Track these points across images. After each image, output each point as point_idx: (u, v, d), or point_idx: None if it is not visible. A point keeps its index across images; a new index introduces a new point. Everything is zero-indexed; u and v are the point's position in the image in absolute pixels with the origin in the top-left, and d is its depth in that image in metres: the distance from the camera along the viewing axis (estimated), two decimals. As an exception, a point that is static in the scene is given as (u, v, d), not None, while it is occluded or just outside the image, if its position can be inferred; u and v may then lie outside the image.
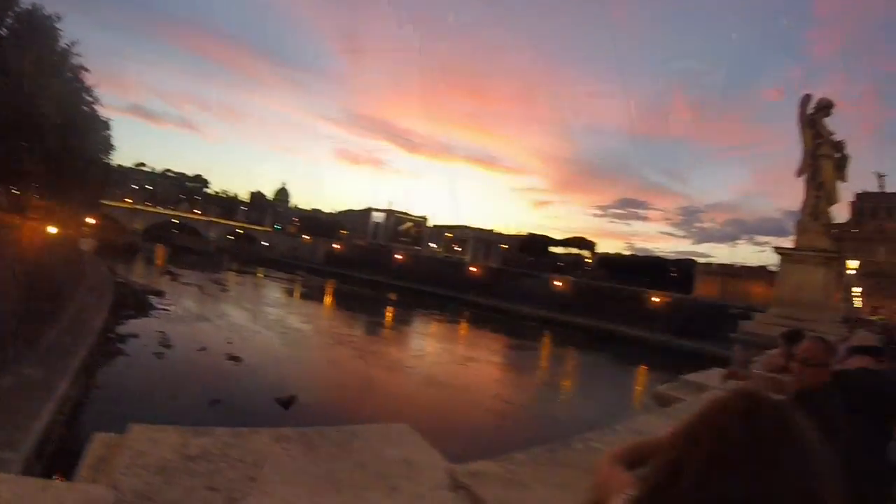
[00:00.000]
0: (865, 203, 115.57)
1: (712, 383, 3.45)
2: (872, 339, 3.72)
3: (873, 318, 59.56)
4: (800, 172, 11.30)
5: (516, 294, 55.29)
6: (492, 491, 1.75)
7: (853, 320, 30.71)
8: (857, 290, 48.29)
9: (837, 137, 11.42)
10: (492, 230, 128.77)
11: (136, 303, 28.44)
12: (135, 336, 21.44)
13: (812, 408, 2.28)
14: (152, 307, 28.77)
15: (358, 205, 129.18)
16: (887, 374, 3.49)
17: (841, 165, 11.40)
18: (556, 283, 57.13)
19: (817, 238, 10.71)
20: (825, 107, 11.41)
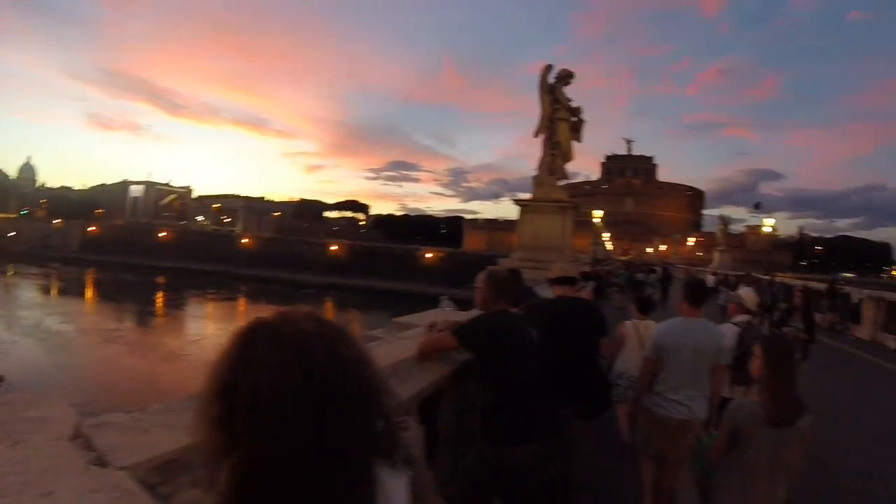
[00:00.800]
0: (614, 163, 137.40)
1: (420, 322, 3.78)
2: (572, 271, 4.25)
3: (623, 258, 71.01)
4: (537, 133, 12.91)
5: (293, 262, 54.35)
6: (107, 438, 1.80)
7: (603, 260, 36.69)
8: (606, 235, 57.44)
9: (575, 104, 13.21)
10: (262, 198, 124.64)
11: None
12: None
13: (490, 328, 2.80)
14: None
15: (114, 178, 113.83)
16: (569, 300, 4.06)
17: (576, 128, 13.26)
18: (332, 248, 57.41)
19: (553, 190, 12.45)
20: (565, 77, 13.07)
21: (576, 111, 13.15)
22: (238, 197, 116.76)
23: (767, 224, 30.34)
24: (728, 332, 4.53)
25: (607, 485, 4.61)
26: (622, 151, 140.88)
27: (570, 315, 3.88)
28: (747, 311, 5.13)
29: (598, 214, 36.29)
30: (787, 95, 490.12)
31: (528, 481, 2.63)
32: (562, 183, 13.02)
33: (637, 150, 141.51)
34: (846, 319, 16.89)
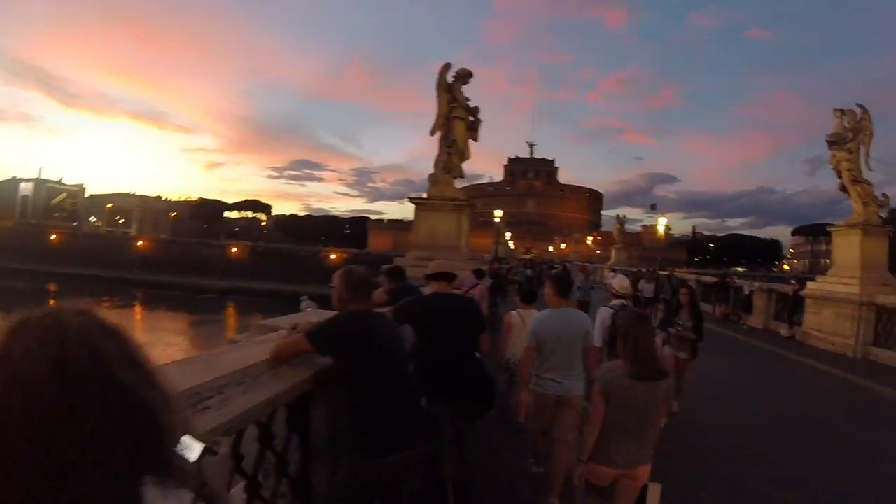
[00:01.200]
0: (516, 166, 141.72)
1: (284, 325, 3.37)
2: (449, 267, 4.17)
3: (526, 256, 73.16)
4: (433, 131, 12.73)
5: (191, 266, 51.34)
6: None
7: (503, 258, 37.52)
8: (508, 235, 59.18)
9: (472, 104, 13.15)
10: (159, 197, 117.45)
11: None
12: None
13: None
14: None
15: (3, 174, 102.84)
16: (445, 297, 3.93)
17: (473, 127, 13.20)
18: (232, 250, 55.01)
19: (448, 188, 12.32)
20: (463, 76, 12.96)
21: (473, 111, 13.12)
22: (133, 196, 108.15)
23: (661, 223, 32.12)
24: (604, 315, 5.39)
25: (517, 481, 4.73)
26: (525, 154, 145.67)
27: (446, 313, 3.78)
28: (621, 297, 5.78)
29: (498, 214, 37.07)
30: (685, 104, 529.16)
31: (406, 489, 2.60)
32: (459, 181, 12.95)
33: (540, 154, 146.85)
34: (739, 310, 18.21)
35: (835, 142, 14.90)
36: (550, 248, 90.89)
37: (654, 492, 3.16)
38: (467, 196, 12.70)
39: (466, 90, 12.90)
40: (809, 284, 15.53)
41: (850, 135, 14.49)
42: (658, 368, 3.09)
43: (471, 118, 13.11)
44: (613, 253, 43.64)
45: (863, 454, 6.09)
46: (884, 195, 14.30)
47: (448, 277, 4.04)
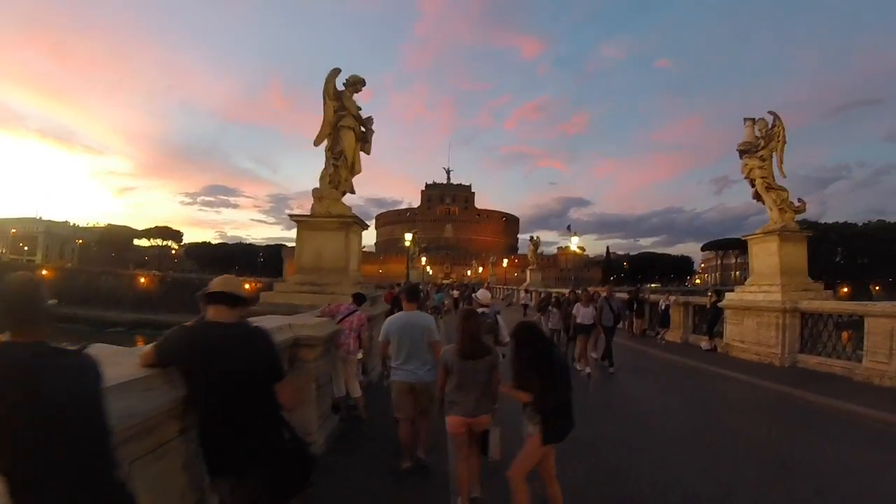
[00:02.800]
0: (433, 191, 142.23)
1: None
2: (235, 286, 2.88)
3: (446, 281, 72.36)
4: (318, 141, 10.97)
5: (98, 297, 46.96)
6: None
7: (419, 284, 36.12)
8: (423, 259, 57.97)
9: (365, 114, 11.55)
10: (66, 223, 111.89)
11: None
12: None
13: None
14: None
15: None
16: (220, 328, 2.72)
17: (364, 138, 11.57)
18: (140, 280, 50.46)
19: (334, 204, 10.51)
20: (355, 83, 11.31)
21: (365, 121, 11.53)
22: (39, 221, 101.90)
23: (574, 242, 31.90)
24: None
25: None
26: (443, 180, 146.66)
27: (218, 351, 2.61)
28: (484, 306, 7.06)
29: (408, 238, 35.55)
30: (595, 131, 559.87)
31: None
32: (349, 198, 11.21)
33: (456, 179, 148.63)
34: (656, 325, 17.41)
35: (746, 150, 14.76)
36: (468, 273, 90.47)
37: (495, 433, 4.33)
38: (355, 215, 10.93)
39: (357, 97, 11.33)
40: (728, 295, 14.99)
41: (763, 142, 14.35)
42: (482, 349, 4.41)
43: (362, 129, 11.51)
44: (528, 274, 43.25)
45: (794, 465, 5.79)
46: (800, 200, 13.99)
47: (230, 300, 2.80)
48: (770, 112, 14.29)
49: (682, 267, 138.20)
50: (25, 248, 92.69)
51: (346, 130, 10.99)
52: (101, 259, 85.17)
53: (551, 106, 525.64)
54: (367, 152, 11.74)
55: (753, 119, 14.91)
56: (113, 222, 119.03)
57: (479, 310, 6.54)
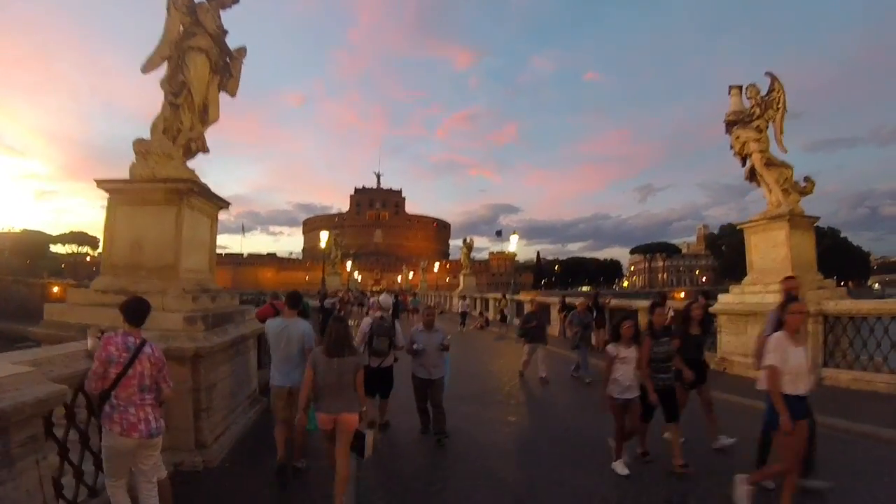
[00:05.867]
0: (363, 196, 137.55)
1: None
2: None
3: (376, 287, 68.21)
4: (149, 66, 7.06)
5: (8, 309, 40.34)
6: None
7: (325, 293, 32.01)
8: (349, 264, 53.79)
9: (233, 44, 7.81)
10: None
11: None
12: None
13: None
14: None
15: None
16: None
17: (227, 72, 7.82)
18: (54, 289, 43.76)
19: (164, 163, 6.62)
20: None
21: (229, 52, 7.76)
22: None
23: (513, 241, 29.00)
24: (364, 323, 6.98)
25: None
26: (373, 185, 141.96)
27: None
28: (383, 310, 7.17)
29: (324, 238, 31.51)
30: (525, 141, 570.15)
31: None
32: (194, 162, 7.33)
33: (387, 186, 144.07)
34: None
35: (736, 121, 12.02)
36: (399, 279, 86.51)
37: (370, 437, 4.61)
38: (197, 181, 7.03)
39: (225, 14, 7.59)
40: (722, 298, 12.12)
41: (758, 110, 11.70)
42: (342, 349, 4.54)
43: (226, 59, 7.75)
44: (462, 279, 40.10)
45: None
46: (807, 179, 11.41)
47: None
48: (767, 73, 11.70)
49: (610, 270, 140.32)
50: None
51: (194, 54, 7.15)
52: (14, 267, 76.11)
53: (482, 116, 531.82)
54: (232, 93, 7.95)
55: (741, 86, 12.32)
56: (31, 228, 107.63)
57: (375, 314, 7.19)
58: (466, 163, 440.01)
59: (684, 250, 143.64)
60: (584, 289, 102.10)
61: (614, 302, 16.89)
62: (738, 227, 12.62)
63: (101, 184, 6.64)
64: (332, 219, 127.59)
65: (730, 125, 12.12)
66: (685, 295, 72.23)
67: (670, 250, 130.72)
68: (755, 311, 10.55)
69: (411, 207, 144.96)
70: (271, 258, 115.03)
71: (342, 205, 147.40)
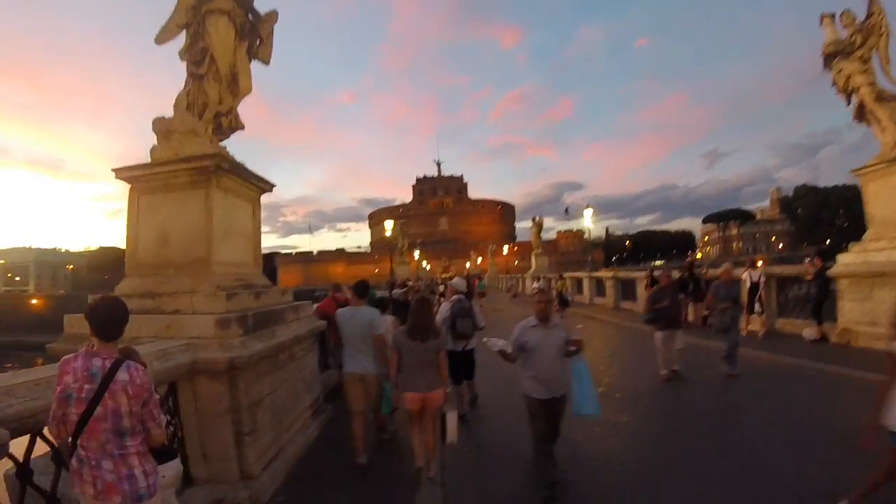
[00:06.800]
0: (425, 185, 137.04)
1: None
2: None
3: (445, 275, 67.85)
4: (163, 37, 6.10)
5: None
6: None
7: (401, 282, 31.14)
8: (416, 253, 53.16)
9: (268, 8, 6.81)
10: (56, 249, 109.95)
11: None
12: None
13: None
14: None
15: None
16: None
17: (254, 35, 6.75)
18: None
19: (189, 141, 5.63)
20: None
21: (257, 13, 6.64)
22: (27, 250, 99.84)
23: (586, 221, 27.18)
24: (445, 306, 6.84)
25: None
26: (433, 174, 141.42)
27: None
28: (460, 293, 6.96)
29: (388, 227, 30.71)
30: (581, 116, 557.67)
31: None
32: (223, 138, 6.27)
33: (447, 173, 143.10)
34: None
35: (837, 52, 10.31)
36: (468, 265, 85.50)
37: (452, 417, 4.75)
38: (228, 156, 5.89)
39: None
40: (841, 258, 10.42)
41: (859, 38, 10.14)
42: (426, 333, 4.59)
43: (249, 17, 6.67)
44: (534, 259, 38.37)
45: None
46: None
47: None
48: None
49: (683, 242, 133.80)
50: (17, 278, 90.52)
51: (215, 17, 6.08)
52: (92, 282, 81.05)
53: (534, 94, 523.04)
54: (266, 59, 6.87)
55: (832, 14, 10.74)
56: (106, 245, 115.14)
57: (453, 297, 6.92)
58: (523, 143, 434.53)
59: (758, 216, 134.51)
60: (658, 263, 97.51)
61: (713, 271, 14.94)
62: (854, 174, 10.71)
63: (119, 173, 5.72)
64: (396, 210, 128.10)
65: (828, 58, 10.62)
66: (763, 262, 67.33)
67: (744, 217, 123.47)
68: (884, 270, 9.02)
69: (473, 192, 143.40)
70: (340, 253, 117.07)
71: (405, 196, 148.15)
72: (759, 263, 13.05)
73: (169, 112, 5.92)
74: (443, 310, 6.80)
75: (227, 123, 6.35)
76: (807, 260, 11.63)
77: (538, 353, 4.41)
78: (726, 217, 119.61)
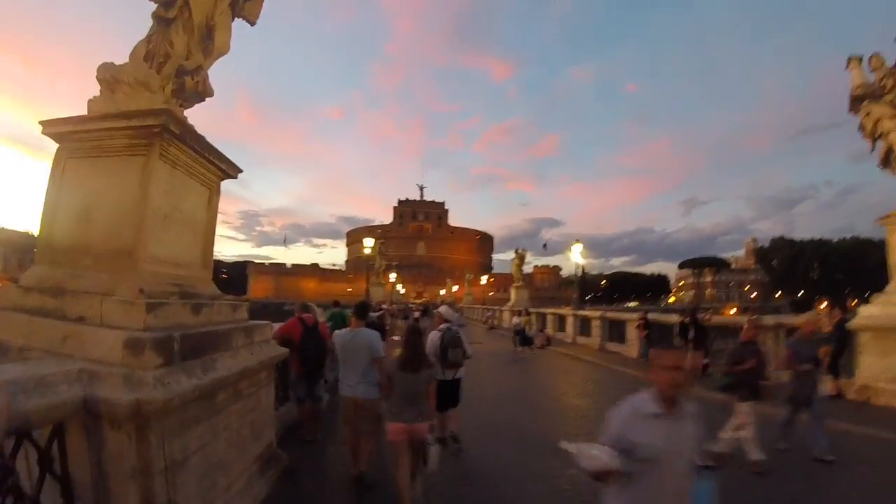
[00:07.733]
0: (406, 208, 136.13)
1: None
2: None
3: (417, 301, 66.30)
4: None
5: None
6: None
7: (376, 304, 29.86)
8: (393, 275, 51.67)
9: None
10: (28, 232, 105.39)
11: None
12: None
13: None
14: None
15: None
16: None
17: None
18: None
19: (138, 96, 4.27)
20: None
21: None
22: (6, 230, 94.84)
23: (575, 257, 26.21)
24: (434, 336, 6.59)
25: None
26: (415, 198, 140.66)
27: None
28: (447, 321, 6.79)
29: (368, 245, 29.27)
30: (564, 153, 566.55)
31: None
32: (184, 104, 4.91)
33: (428, 198, 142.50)
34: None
35: (865, 95, 9.79)
36: (442, 292, 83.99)
37: (434, 449, 4.56)
38: (181, 119, 4.52)
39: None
40: (864, 310, 9.88)
41: (890, 82, 9.87)
42: (417, 364, 4.58)
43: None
44: (514, 292, 37.19)
45: None
46: None
47: None
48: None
49: (657, 285, 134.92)
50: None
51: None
52: None
53: (521, 128, 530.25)
54: (252, 17, 5.62)
55: (860, 57, 10.52)
56: None
57: (440, 326, 6.75)
58: (505, 175, 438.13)
59: (733, 265, 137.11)
60: (632, 304, 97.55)
61: (716, 319, 13.95)
62: (879, 223, 10.18)
63: (46, 126, 4.31)
64: (375, 230, 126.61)
65: (856, 101, 10.26)
66: (736, 311, 67.63)
67: (719, 265, 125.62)
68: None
69: (453, 220, 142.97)
70: (314, 269, 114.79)
71: (384, 217, 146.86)
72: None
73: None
74: (432, 338, 6.57)
75: (193, 86, 5.00)
76: (829, 309, 10.81)
77: (660, 468, 2.34)
78: (702, 263, 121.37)
